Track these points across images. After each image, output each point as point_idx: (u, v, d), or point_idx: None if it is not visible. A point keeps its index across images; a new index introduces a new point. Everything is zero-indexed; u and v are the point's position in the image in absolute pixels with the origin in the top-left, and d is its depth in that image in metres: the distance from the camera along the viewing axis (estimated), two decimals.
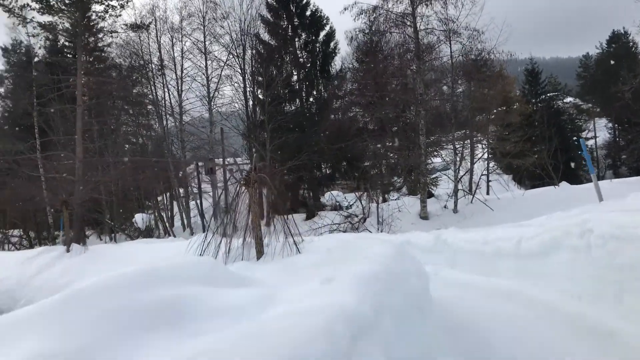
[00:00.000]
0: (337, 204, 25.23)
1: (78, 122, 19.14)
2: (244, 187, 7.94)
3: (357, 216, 18.96)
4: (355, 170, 27.35)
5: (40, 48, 28.37)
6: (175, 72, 27.21)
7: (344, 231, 17.49)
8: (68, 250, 12.82)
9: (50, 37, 25.57)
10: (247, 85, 27.80)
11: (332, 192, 28.48)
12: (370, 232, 16.77)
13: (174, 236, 25.43)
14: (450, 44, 20.36)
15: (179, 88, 27.16)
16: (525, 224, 9.09)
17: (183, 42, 27.90)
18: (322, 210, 24.44)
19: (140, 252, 11.93)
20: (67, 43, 29.95)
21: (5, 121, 32.28)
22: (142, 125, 28.27)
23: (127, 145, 28.71)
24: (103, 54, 29.07)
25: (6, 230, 22.76)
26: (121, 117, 28.06)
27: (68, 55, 29.68)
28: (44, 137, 24.36)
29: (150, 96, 27.60)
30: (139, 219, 22.26)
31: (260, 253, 7.65)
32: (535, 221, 9.08)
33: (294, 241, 7.89)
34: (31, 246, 20.79)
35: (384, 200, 25.92)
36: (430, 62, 20.50)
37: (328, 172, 30.92)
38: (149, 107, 27.31)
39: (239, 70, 27.61)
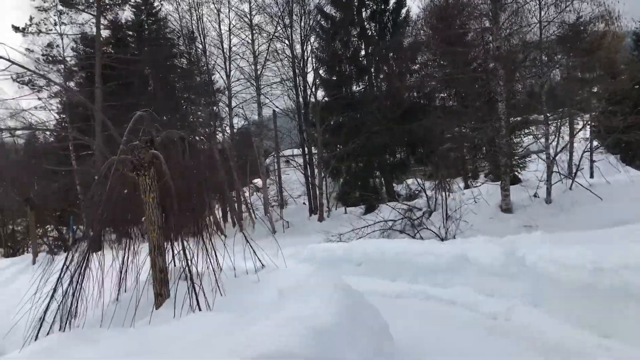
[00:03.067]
0: (409, 193, 21.64)
1: (97, 105, 16.91)
2: (133, 175, 4.69)
3: (420, 210, 15.28)
4: (431, 154, 23.63)
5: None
6: (223, 51, 24.61)
7: (401, 231, 13.90)
8: (34, 262, 10.31)
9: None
10: (300, 61, 24.64)
11: (407, 180, 24.89)
12: (418, 239, 13.16)
13: None
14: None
15: (227, 68, 24.54)
16: None
17: (230, 17, 25.22)
18: (388, 201, 20.79)
19: None
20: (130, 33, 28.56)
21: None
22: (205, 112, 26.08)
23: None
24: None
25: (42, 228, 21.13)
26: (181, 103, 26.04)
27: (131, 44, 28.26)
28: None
29: (199, 79, 25.22)
30: None
31: (160, 299, 4.49)
32: None
33: (217, 280, 4.73)
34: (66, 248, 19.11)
35: (466, 187, 22.01)
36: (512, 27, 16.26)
37: (402, 156, 27.36)
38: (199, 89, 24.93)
39: (287, 42, 24.52)
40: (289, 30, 24.58)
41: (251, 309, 4.04)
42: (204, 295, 4.36)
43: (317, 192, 22.19)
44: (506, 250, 6.52)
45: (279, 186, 27.01)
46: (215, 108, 26.61)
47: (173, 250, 4.88)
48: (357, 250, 9.10)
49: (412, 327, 5.84)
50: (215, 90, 26.66)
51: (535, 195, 15.24)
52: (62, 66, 23.18)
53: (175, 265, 5.09)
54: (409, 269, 7.99)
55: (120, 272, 4.92)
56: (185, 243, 4.95)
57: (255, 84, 23.72)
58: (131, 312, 4.53)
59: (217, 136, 25.60)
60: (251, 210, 23.77)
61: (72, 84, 30.32)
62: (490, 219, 14.12)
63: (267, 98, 24.53)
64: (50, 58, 22.02)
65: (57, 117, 25.36)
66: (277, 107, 25.05)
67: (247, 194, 26.24)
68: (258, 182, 26.10)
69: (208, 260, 4.92)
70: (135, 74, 23.14)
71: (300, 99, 24.54)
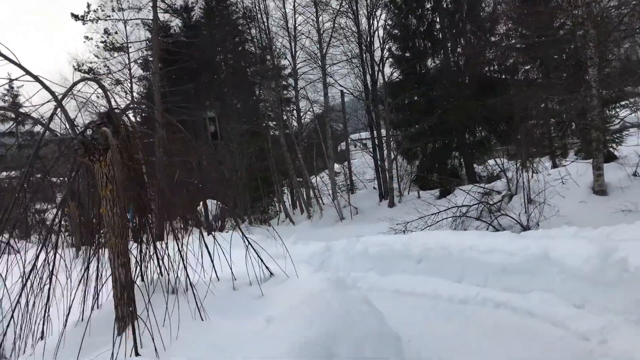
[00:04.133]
0: (488, 175, 19.78)
1: (156, 94, 16.40)
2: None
3: (499, 193, 13.57)
4: (514, 131, 21.64)
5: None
6: (288, 30, 23.56)
7: (477, 217, 12.30)
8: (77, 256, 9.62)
9: None
10: (367, 37, 23.16)
11: (490, 160, 22.97)
12: (496, 225, 11.59)
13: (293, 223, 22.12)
14: None
15: (292, 49, 23.50)
16: None
17: None
18: (468, 184, 19.07)
19: None
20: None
21: None
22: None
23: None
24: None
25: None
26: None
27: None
28: None
29: (268, 62, 24.40)
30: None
31: (122, 324, 3.40)
32: None
33: (196, 299, 3.57)
34: None
35: (554, 166, 19.88)
36: None
37: (482, 135, 25.40)
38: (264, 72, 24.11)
39: (352, 16, 23.02)
40: (355, 4, 23.14)
41: (225, 347, 2.91)
42: (170, 325, 3.23)
43: (387, 176, 20.81)
44: (601, 250, 5.03)
45: (347, 170, 25.88)
46: (285, 92, 25.81)
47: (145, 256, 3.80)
48: (416, 245, 7.80)
49: (482, 347, 4.61)
50: (282, 73, 25.88)
51: (635, 174, 13.10)
52: (123, 53, 22.93)
53: (162, 275, 4.03)
54: (476, 269, 6.63)
55: (88, 281, 3.88)
56: (160, 246, 3.88)
57: (320, 63, 22.56)
58: (97, 338, 3.50)
59: (285, 120, 24.72)
60: (318, 197, 22.79)
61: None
62: (580, 202, 12.22)
63: (332, 78, 23.32)
64: (109, 45, 21.84)
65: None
66: (343, 87, 23.80)
67: (315, 180, 25.25)
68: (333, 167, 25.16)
69: (201, 267, 3.79)
70: (202, 59, 22.70)
71: (368, 77, 23.13)
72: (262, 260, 4.23)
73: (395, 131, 23.06)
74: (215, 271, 4.15)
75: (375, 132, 22.82)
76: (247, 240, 4.25)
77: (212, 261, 4.11)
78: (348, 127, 26.94)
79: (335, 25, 23.00)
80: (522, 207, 11.71)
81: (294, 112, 25.21)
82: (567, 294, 5.21)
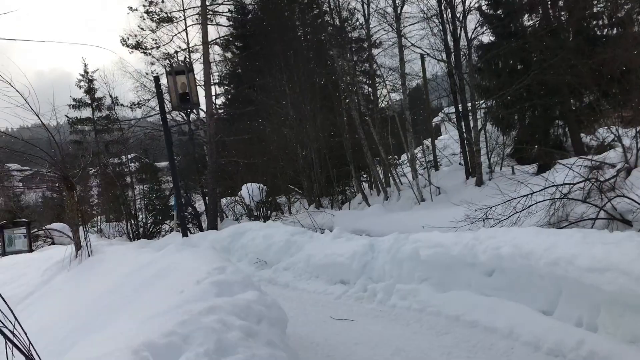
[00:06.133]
0: (598, 145, 16.36)
1: (205, 66, 14.61)
2: None
3: (613, 167, 10.43)
4: (631, 92, 18.01)
5: None
6: None
7: (583, 200, 9.32)
8: (76, 256, 8.07)
9: None
10: None
11: (599, 129, 19.42)
12: (610, 210, 8.55)
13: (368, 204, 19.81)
14: None
15: (365, 13, 20.85)
16: None
17: None
18: (575, 155, 15.78)
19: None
20: None
21: None
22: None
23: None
24: None
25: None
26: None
27: None
28: None
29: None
30: (246, 191, 16.54)
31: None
32: None
33: None
34: None
35: None
36: None
37: (591, 99, 21.75)
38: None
39: None
40: None
41: None
42: None
43: (474, 150, 17.85)
44: None
45: (430, 145, 23.04)
46: (359, 63, 23.52)
47: None
48: (484, 249, 5.27)
49: None
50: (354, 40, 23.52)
51: None
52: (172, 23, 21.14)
53: None
54: (578, 295, 4.07)
55: None
56: None
57: (395, 26, 19.85)
58: None
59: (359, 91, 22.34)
60: (395, 177, 20.19)
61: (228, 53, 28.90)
62: None
63: (409, 41, 20.45)
64: (156, 16, 20.13)
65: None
66: (421, 49, 20.89)
67: (391, 157, 22.68)
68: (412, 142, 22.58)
69: None
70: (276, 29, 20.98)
71: (449, 37, 20.09)
72: None
73: (484, 98, 20.03)
74: None
75: (459, 99, 19.90)
76: None
77: None
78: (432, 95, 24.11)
79: None
80: None
81: (369, 82, 22.76)
82: None
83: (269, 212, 16.17)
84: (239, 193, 16.58)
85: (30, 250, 16.31)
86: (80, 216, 8.36)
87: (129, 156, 21.42)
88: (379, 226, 13.66)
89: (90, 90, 28.81)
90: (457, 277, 5.60)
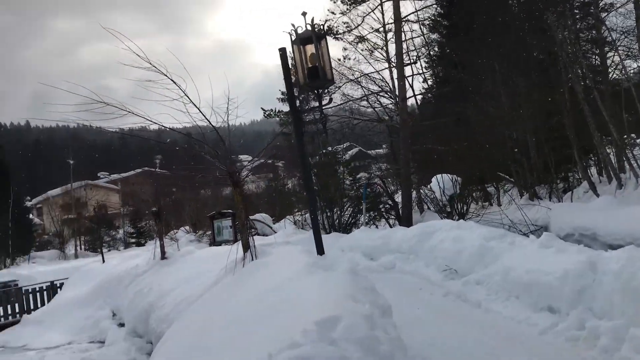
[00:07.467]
0: None
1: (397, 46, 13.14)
2: None
3: None
4: None
5: None
6: None
7: None
8: (243, 257, 7.56)
9: None
10: None
11: None
12: None
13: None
14: None
15: None
16: None
17: None
18: None
19: None
20: None
21: None
22: None
23: None
24: None
25: None
26: None
27: None
28: None
29: None
30: (436, 184, 13.96)
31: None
32: None
33: None
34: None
35: None
36: None
37: None
38: None
39: None
40: None
41: None
42: None
43: None
44: None
45: None
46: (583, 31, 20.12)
47: None
48: None
49: None
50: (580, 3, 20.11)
51: None
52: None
53: None
54: None
55: None
56: None
57: None
58: None
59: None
60: (632, 160, 16.60)
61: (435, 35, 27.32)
62: None
63: None
64: None
65: None
66: None
67: (626, 137, 18.95)
68: None
69: None
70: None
71: None
72: None
73: None
74: None
75: None
76: None
77: None
78: None
79: None
80: None
81: (596, 51, 19.24)
82: None
83: (464, 207, 14.20)
84: (429, 185, 14.96)
85: (236, 239, 16.91)
86: (245, 215, 7.74)
87: (343, 145, 20.99)
88: (610, 224, 10.96)
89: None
90: None
